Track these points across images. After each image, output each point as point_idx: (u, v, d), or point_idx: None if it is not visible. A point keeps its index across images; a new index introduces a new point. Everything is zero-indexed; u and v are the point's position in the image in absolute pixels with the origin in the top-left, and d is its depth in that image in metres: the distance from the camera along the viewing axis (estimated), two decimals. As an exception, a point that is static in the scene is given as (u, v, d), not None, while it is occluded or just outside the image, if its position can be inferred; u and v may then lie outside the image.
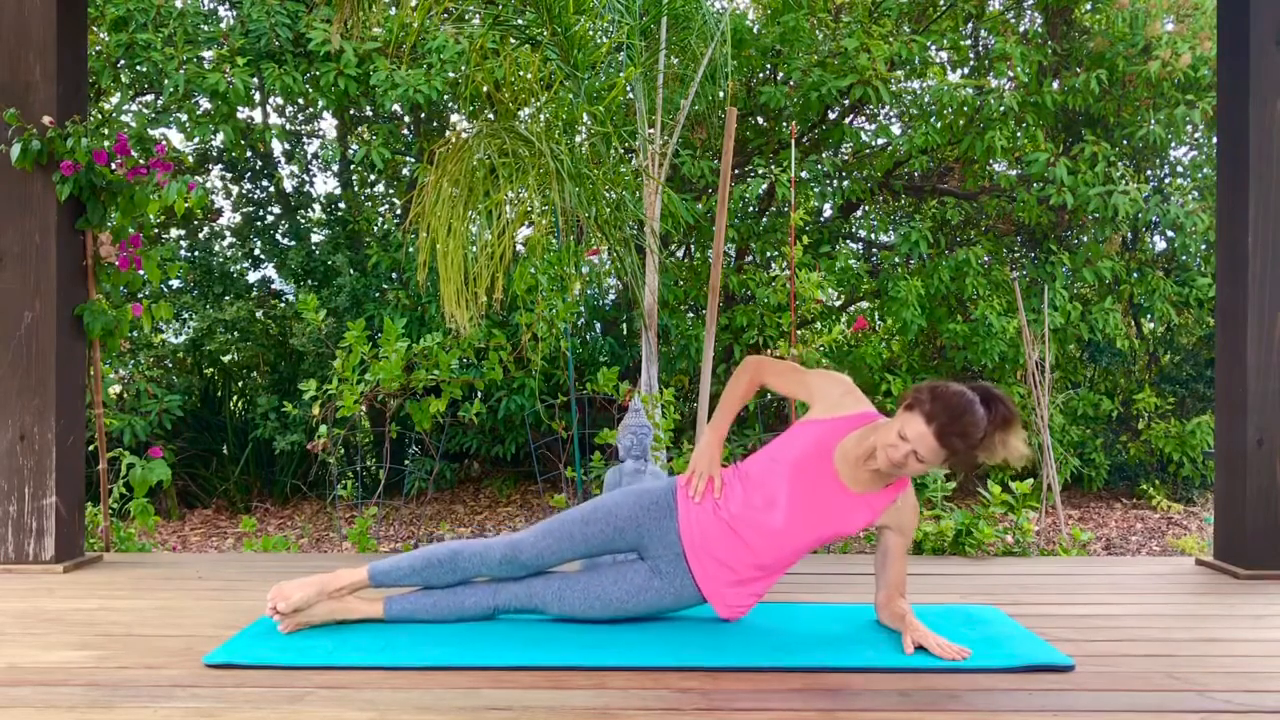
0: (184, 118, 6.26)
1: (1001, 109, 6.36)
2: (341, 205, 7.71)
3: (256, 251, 7.67)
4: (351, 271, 6.84)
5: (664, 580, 2.39)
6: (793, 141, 5.57)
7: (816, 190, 7.02)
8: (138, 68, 6.24)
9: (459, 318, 3.72)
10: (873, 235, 8.27)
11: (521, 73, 4.07)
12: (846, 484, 2.34)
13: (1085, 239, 7.01)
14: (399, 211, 7.58)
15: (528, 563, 2.41)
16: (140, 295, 4.04)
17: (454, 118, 7.58)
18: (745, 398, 2.50)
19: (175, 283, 7.37)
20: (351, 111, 7.30)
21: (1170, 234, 7.07)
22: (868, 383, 6.37)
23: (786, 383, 2.49)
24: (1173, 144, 6.85)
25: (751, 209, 7.32)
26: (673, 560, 2.39)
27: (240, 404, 7.27)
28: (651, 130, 4.60)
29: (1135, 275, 7.03)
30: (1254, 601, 2.92)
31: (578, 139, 4.57)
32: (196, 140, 6.72)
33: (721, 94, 5.22)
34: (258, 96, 7.40)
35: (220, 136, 6.38)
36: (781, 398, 6.39)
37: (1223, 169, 3.50)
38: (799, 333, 7.03)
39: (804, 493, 2.33)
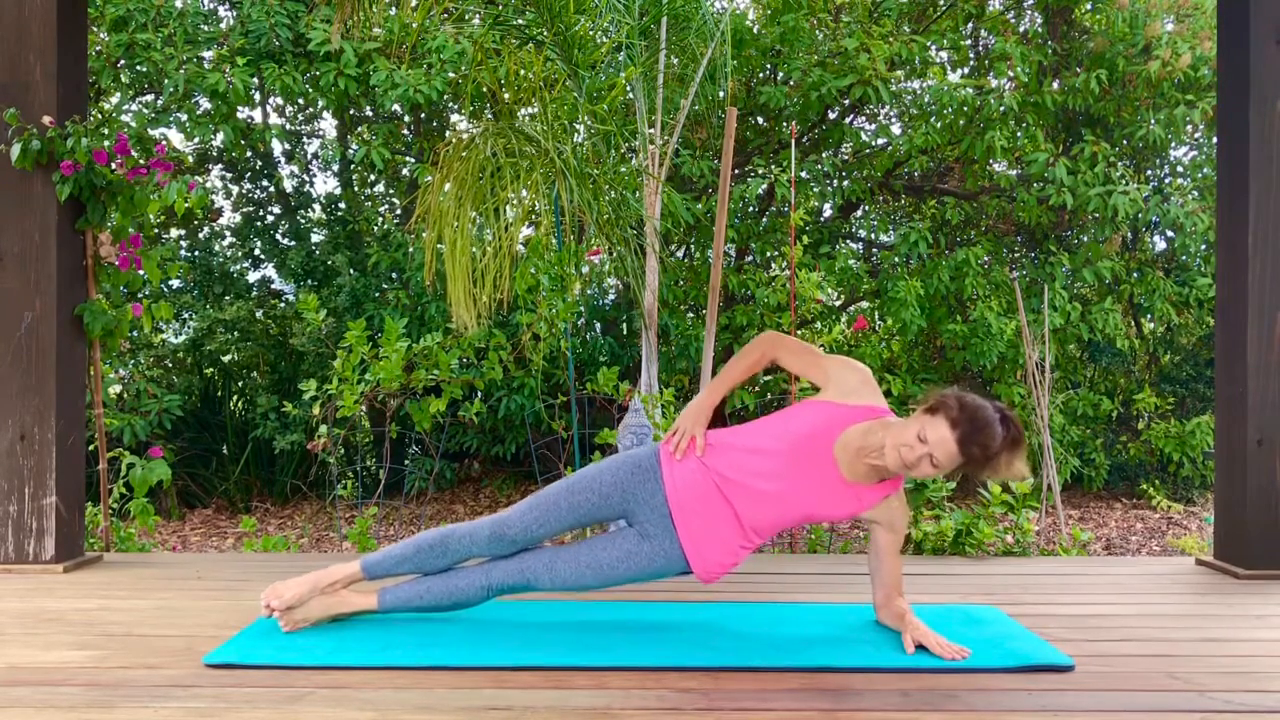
0: (184, 118, 6.26)
1: (1001, 109, 6.36)
2: (341, 205, 7.71)
3: (256, 251, 7.67)
4: (351, 271, 6.84)
5: (652, 543, 2.39)
6: (793, 141, 5.56)
7: (816, 190, 7.02)
8: (138, 68, 6.25)
9: (466, 316, 3.72)
10: (872, 235, 8.27)
11: (524, 72, 4.07)
12: (842, 471, 2.34)
13: (1085, 239, 7.01)
14: (399, 211, 7.58)
15: (516, 538, 2.41)
16: (140, 295, 4.04)
17: (454, 118, 7.59)
18: (751, 370, 2.48)
19: (175, 283, 7.38)
20: (351, 111, 7.30)
21: (1170, 234, 7.08)
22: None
23: (801, 362, 2.47)
24: (1173, 144, 6.85)
25: (751, 209, 7.32)
26: (659, 522, 2.39)
27: (240, 404, 7.27)
28: (651, 130, 4.60)
29: (1135, 275, 7.03)
30: (1254, 601, 2.92)
31: (577, 138, 4.57)
32: (196, 140, 6.72)
33: (721, 94, 5.22)
34: (258, 96, 7.41)
35: (220, 136, 6.38)
36: (783, 400, 6.38)
37: (1223, 169, 3.50)
38: (799, 333, 7.02)
39: (799, 467, 2.34)
